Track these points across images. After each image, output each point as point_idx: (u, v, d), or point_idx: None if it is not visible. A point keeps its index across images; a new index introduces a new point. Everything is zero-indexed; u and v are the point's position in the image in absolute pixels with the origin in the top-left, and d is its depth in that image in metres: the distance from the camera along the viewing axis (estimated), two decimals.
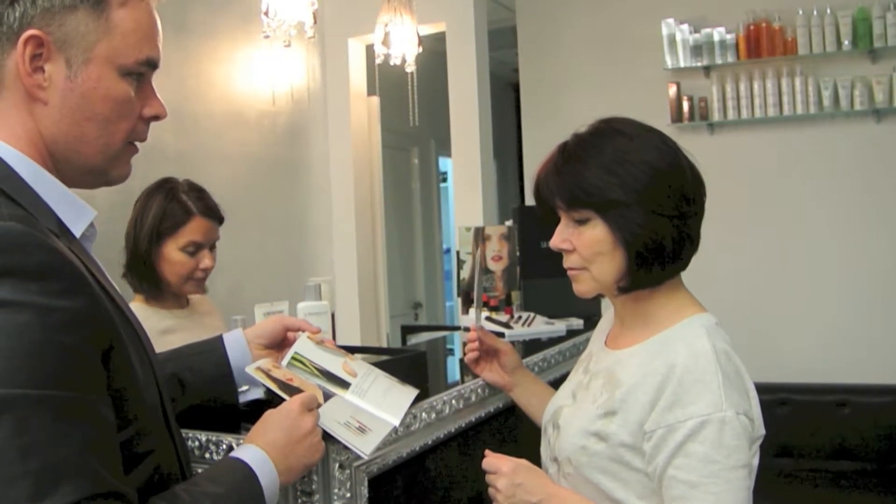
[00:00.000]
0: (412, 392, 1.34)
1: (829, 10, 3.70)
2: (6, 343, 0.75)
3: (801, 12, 3.74)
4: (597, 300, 1.39)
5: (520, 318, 2.23)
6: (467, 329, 1.91)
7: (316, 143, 4.03)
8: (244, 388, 1.31)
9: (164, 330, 1.88)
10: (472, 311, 2.30)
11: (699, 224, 1.20)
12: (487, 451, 1.26)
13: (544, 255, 1.61)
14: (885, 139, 3.72)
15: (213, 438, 1.18)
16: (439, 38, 3.90)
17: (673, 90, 3.98)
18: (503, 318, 2.24)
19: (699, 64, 3.93)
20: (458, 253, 2.43)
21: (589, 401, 1.22)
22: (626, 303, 1.24)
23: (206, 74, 3.37)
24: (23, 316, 0.76)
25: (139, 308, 1.88)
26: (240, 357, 1.28)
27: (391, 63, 3.31)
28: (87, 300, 0.82)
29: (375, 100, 4.20)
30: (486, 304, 2.35)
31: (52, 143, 0.91)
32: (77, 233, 0.92)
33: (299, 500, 1.15)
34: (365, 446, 1.16)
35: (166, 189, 1.92)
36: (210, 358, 1.28)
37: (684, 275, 1.23)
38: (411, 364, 1.51)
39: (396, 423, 1.26)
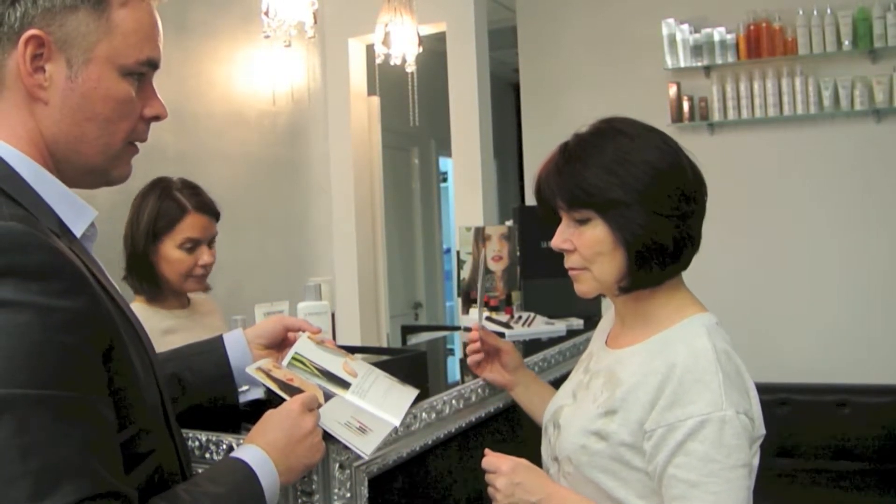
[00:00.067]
0: (412, 392, 1.34)
1: (829, 10, 3.70)
2: (7, 343, 0.75)
3: (801, 12, 3.74)
4: (597, 300, 1.40)
5: (520, 318, 2.23)
6: (468, 329, 1.91)
7: (316, 143, 4.03)
8: (244, 388, 1.31)
9: (166, 330, 1.88)
10: (473, 310, 2.30)
11: (700, 224, 1.20)
12: (487, 451, 1.26)
13: (544, 255, 1.61)
14: (885, 139, 3.72)
15: (214, 438, 1.18)
16: (439, 38, 3.89)
17: (673, 90, 3.98)
18: (503, 318, 2.24)
19: (699, 64, 3.93)
20: (458, 253, 2.43)
21: (589, 400, 1.22)
22: (627, 302, 1.24)
23: (206, 74, 3.37)
24: (23, 316, 0.76)
25: (140, 308, 1.88)
26: (240, 357, 1.28)
27: (391, 63, 3.31)
28: (87, 300, 0.82)
29: (376, 100, 4.20)
30: (486, 304, 2.35)
31: (53, 143, 0.91)
32: (78, 233, 0.92)
33: (299, 500, 1.16)
34: (365, 446, 1.16)
35: (160, 188, 1.93)
36: (210, 358, 1.28)
37: (685, 274, 1.23)
38: (411, 364, 1.51)
39: (397, 423, 1.26)
